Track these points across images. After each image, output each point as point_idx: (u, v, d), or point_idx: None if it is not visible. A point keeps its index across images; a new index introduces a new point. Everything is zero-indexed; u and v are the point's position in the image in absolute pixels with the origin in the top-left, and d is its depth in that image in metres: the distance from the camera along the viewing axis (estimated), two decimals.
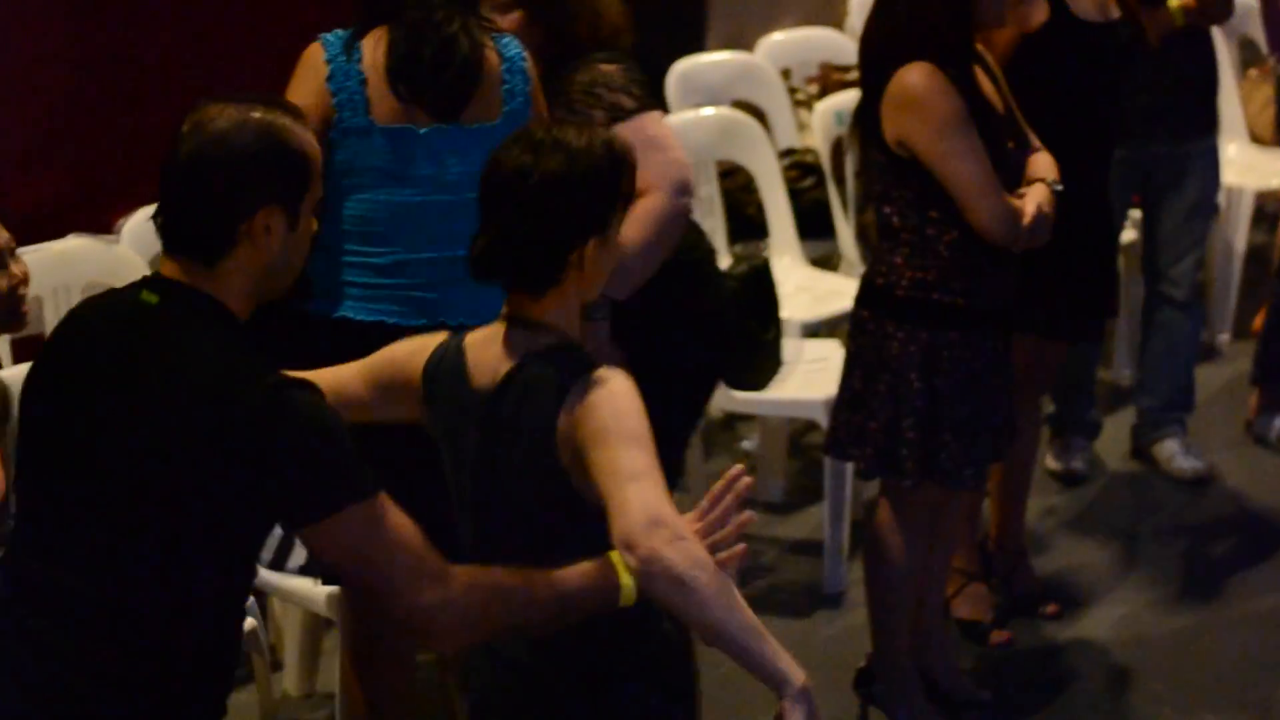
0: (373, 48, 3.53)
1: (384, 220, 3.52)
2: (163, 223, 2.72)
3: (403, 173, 3.51)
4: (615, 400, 2.65)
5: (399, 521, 2.65)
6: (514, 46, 3.63)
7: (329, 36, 3.58)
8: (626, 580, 2.65)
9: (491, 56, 3.57)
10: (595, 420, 2.63)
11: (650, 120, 3.75)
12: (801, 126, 6.31)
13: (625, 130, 3.51)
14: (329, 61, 3.53)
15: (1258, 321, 6.41)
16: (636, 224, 3.56)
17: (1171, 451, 5.71)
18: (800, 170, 6.01)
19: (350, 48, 3.53)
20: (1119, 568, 5.19)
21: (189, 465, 2.58)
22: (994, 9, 3.98)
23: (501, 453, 2.75)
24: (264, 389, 2.59)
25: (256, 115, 2.68)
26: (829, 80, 6.55)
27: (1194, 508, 5.54)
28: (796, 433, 5.77)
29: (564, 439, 2.68)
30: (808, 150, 6.11)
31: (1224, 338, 6.74)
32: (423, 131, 3.51)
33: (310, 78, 3.53)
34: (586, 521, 2.68)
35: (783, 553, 5.24)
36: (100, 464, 2.64)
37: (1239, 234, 6.77)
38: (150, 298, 2.69)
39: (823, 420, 4.74)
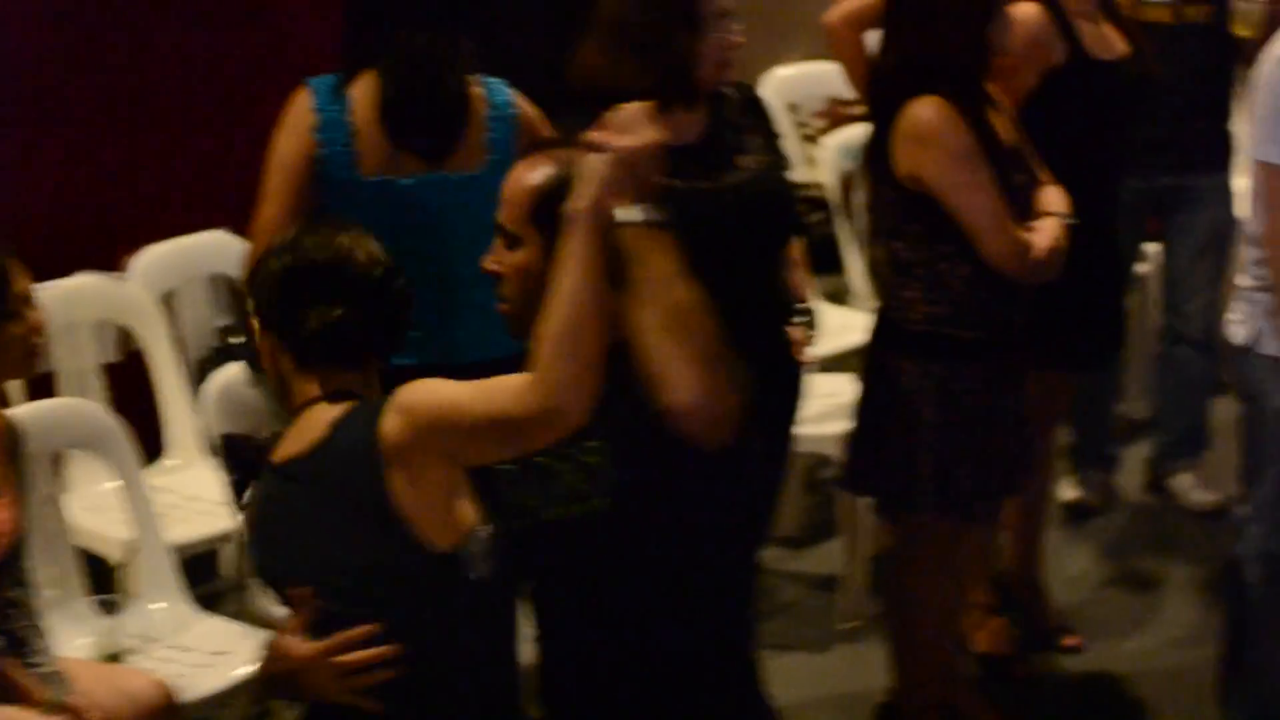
0: (362, 94, 3.48)
1: None
2: None
3: (391, 223, 3.48)
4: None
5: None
6: (502, 91, 3.57)
7: (315, 82, 3.53)
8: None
9: (478, 99, 3.52)
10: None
11: None
12: (810, 161, 6.29)
13: None
14: (317, 110, 3.49)
15: None
16: None
17: (1187, 485, 5.69)
18: (809, 205, 5.99)
19: (339, 95, 3.49)
20: (1137, 601, 5.17)
21: None
22: (1000, 42, 3.97)
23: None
24: None
25: None
26: (837, 115, 6.55)
27: (1211, 540, 5.51)
28: (810, 467, 5.75)
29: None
30: (816, 185, 6.10)
31: None
32: (407, 183, 3.48)
33: (297, 128, 3.50)
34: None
35: (799, 588, 5.22)
36: None
37: None
38: None
39: (835, 455, 4.72)
